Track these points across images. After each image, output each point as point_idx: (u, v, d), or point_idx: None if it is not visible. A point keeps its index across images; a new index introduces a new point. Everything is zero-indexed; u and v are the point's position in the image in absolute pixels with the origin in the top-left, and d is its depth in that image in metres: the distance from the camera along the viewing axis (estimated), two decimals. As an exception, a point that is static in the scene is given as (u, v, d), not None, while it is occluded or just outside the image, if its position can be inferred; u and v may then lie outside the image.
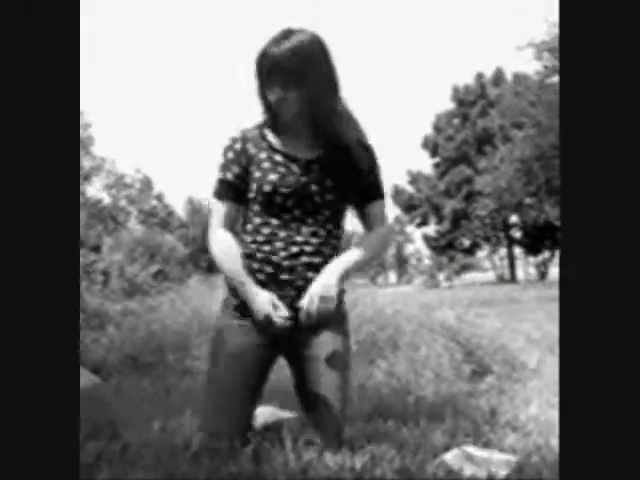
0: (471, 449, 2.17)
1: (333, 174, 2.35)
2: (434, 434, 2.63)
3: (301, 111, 2.32)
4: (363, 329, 6.08)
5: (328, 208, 2.36)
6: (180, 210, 43.61)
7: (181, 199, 75.21)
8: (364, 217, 2.47)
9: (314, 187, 2.32)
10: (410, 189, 50.46)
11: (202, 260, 27.63)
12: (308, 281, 2.29)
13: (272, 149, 2.37)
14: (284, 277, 2.31)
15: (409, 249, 61.66)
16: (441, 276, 46.40)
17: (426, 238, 50.60)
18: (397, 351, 5.48)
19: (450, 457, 2.18)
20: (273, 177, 2.31)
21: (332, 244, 2.39)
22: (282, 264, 2.31)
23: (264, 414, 2.79)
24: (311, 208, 2.33)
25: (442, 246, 47.89)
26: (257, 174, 2.33)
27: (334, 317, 2.34)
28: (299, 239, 2.31)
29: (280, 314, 2.26)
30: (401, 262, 61.35)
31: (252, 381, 2.40)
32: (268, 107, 2.35)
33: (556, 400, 3.55)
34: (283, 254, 2.31)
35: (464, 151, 46.15)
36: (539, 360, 5.09)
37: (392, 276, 64.76)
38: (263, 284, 2.33)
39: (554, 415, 3.24)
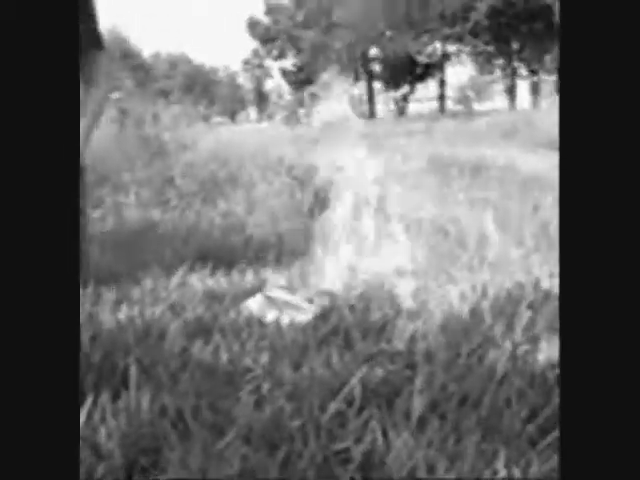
0: (275, 293, 2.08)
1: None
2: (245, 280, 2.54)
3: None
4: (206, 168, 5.91)
5: None
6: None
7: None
8: None
9: None
10: (267, 21, 48.84)
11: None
12: None
13: None
14: None
15: (269, 84, 60.25)
16: (302, 112, 46.02)
17: (284, 72, 49.63)
18: (237, 190, 5.35)
19: (253, 302, 2.10)
20: None
21: None
22: None
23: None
24: None
25: (301, 80, 47.19)
26: None
27: None
28: None
29: None
30: (262, 98, 60.15)
31: None
32: None
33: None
34: None
35: (323, -21, 44.74)
36: (380, 197, 5.08)
37: (253, 113, 63.67)
38: None
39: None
